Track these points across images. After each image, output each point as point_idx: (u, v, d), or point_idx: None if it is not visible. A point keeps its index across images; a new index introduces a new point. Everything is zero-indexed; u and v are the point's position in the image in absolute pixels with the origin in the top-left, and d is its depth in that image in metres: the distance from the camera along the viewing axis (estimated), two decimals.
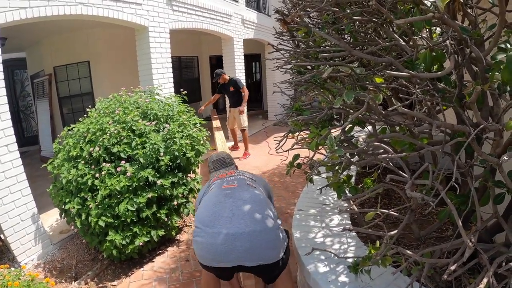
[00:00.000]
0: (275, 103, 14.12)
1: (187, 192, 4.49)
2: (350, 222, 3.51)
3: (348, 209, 2.65)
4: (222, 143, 7.40)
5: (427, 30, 2.12)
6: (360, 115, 1.97)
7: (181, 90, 5.60)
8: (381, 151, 2.29)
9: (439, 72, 1.69)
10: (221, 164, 3.16)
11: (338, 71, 1.89)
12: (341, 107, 2.07)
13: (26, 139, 11.89)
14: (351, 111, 2.31)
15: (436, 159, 2.62)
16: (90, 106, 5.28)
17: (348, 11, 2.39)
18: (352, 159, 2.17)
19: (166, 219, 4.36)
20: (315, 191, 4.13)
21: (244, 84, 9.41)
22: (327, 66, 1.96)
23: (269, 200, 2.92)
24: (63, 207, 4.38)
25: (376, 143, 1.86)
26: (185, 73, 13.52)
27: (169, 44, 7.53)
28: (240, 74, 11.12)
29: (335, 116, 2.82)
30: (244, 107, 9.00)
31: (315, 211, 3.75)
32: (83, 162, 4.33)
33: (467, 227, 2.53)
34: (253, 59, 17.79)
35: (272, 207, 2.75)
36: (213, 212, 2.50)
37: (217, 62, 14.71)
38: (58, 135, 5.01)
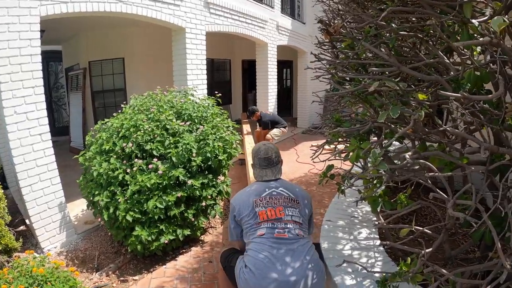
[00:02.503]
0: (305, 110, 14.11)
1: (215, 194, 4.51)
2: (378, 236, 3.49)
3: (384, 224, 2.63)
4: (251, 148, 7.45)
5: (470, 47, 2.10)
6: (399, 129, 1.98)
7: (216, 92, 5.63)
8: (417, 167, 2.28)
9: (490, 95, 1.67)
10: (268, 163, 2.92)
11: (383, 86, 1.89)
12: (384, 121, 2.07)
13: (57, 129, 12.08)
14: (393, 126, 2.31)
15: (467, 179, 2.60)
16: (124, 102, 5.34)
17: (394, 25, 2.38)
18: (393, 175, 2.17)
19: (193, 219, 4.38)
20: (344, 203, 4.13)
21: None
22: (372, 79, 1.97)
23: (310, 219, 2.95)
24: (91, 198, 4.44)
25: (421, 161, 1.86)
26: (216, 75, 13.60)
27: (204, 46, 7.60)
28: (272, 80, 11.18)
29: (373, 130, 2.82)
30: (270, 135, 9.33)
31: (343, 222, 3.74)
32: (115, 156, 4.39)
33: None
34: (284, 66, 17.71)
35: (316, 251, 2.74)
36: (266, 260, 2.50)
37: (249, 66, 14.80)
38: (91, 128, 5.08)
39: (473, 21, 1.75)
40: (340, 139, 3.11)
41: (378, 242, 3.34)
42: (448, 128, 1.73)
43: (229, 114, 7.07)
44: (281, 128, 9.46)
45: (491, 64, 1.85)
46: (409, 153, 1.79)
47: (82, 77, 10.10)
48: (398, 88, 1.86)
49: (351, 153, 2.58)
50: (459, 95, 1.63)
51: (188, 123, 4.65)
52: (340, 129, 2.61)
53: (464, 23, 1.84)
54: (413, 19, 2.55)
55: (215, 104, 5.47)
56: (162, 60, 9.48)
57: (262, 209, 2.70)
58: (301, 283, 2.41)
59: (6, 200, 4.37)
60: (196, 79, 7.35)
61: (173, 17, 6.65)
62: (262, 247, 2.56)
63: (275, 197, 2.76)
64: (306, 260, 2.50)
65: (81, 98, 10.11)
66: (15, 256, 4.50)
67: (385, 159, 2.58)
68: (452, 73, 1.98)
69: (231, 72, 14.76)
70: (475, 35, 1.83)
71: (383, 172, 2.06)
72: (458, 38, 1.95)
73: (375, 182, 2.53)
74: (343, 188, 3.02)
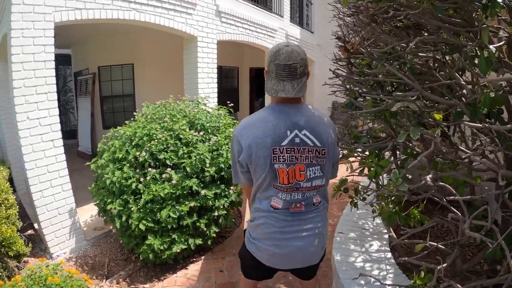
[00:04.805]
0: None
1: (227, 204, 4.51)
2: (389, 248, 3.54)
3: (400, 240, 2.67)
4: None
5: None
6: (417, 148, 2.04)
7: (228, 102, 5.66)
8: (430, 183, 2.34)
9: (509, 125, 1.71)
10: (289, 73, 2.07)
11: (405, 107, 1.94)
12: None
13: (64, 133, 12.01)
14: (411, 144, 2.36)
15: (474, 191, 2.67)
16: (137, 111, 5.36)
17: (411, 44, 2.42)
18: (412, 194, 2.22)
19: (205, 229, 4.39)
20: (355, 215, 4.18)
21: None
22: (394, 100, 2.02)
23: (335, 164, 2.39)
24: (103, 206, 4.48)
25: (441, 183, 1.90)
26: (224, 82, 13.53)
27: (215, 55, 7.60)
28: None
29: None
30: None
31: (355, 235, 3.79)
32: (128, 165, 4.40)
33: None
34: None
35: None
36: (280, 232, 2.26)
37: (256, 74, 14.81)
38: (103, 136, 5.10)
39: (490, 46, 1.80)
40: (355, 154, 3.15)
41: (389, 254, 3.40)
42: (471, 156, 1.77)
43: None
44: None
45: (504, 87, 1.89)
46: (430, 176, 1.83)
47: (91, 82, 10.19)
48: (417, 109, 1.91)
49: (366, 169, 2.64)
50: (481, 125, 1.67)
51: (201, 133, 4.66)
52: (359, 147, 2.64)
53: (481, 48, 1.88)
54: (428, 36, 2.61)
55: (227, 114, 5.48)
56: (171, 66, 9.53)
57: (283, 167, 2.14)
58: (307, 250, 2.29)
59: (18, 207, 4.40)
60: (207, 87, 7.36)
61: (186, 25, 6.69)
62: (275, 222, 2.25)
63: (297, 149, 2.14)
64: (316, 229, 2.30)
65: (90, 102, 10.21)
66: (24, 261, 4.55)
67: (404, 177, 2.63)
68: (465, 91, 2.03)
69: (239, 80, 14.78)
70: (492, 59, 1.87)
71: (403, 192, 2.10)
72: (476, 62, 2.00)
73: (392, 198, 2.57)
74: (356, 201, 3.07)
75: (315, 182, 2.21)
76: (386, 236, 3.77)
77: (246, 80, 15.04)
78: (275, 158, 2.12)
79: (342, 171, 3.01)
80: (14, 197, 4.41)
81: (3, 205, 4.08)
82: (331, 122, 2.35)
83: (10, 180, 6.42)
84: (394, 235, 3.39)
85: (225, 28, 7.90)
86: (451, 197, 1.81)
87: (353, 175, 2.98)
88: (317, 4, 14.04)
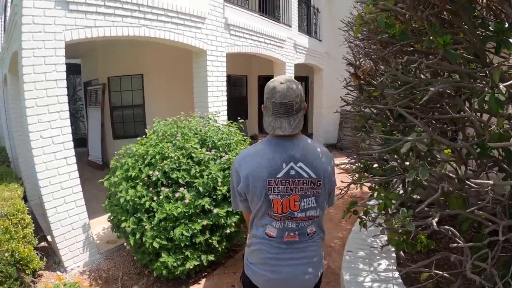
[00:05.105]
0: (320, 126, 14.20)
1: (239, 221, 4.56)
2: (396, 267, 3.60)
3: (409, 269, 2.73)
4: None
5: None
6: (424, 182, 2.10)
7: (238, 118, 5.69)
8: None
9: None
10: (285, 111, 2.13)
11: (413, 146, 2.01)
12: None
13: (74, 141, 12.08)
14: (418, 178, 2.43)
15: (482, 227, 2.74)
16: (147, 127, 5.38)
17: (422, 76, 2.48)
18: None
19: (217, 246, 4.44)
20: (364, 232, 4.24)
21: None
22: (404, 141, 2.09)
23: (330, 194, 2.43)
24: (116, 222, 4.55)
25: (446, 227, 1.97)
26: (233, 91, 13.47)
27: (225, 68, 7.64)
28: None
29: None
30: None
31: (363, 253, 3.85)
32: (141, 183, 4.46)
33: None
34: (300, 81, 17.54)
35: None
36: (275, 259, 2.32)
37: (265, 82, 14.71)
38: (116, 152, 5.14)
39: (501, 86, 1.86)
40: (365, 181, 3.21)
41: (396, 274, 3.46)
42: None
43: (245, 129, 7.02)
44: None
45: None
46: (436, 219, 1.89)
47: (101, 93, 10.30)
48: (426, 149, 1.98)
49: (375, 194, 2.71)
50: (492, 182, 1.74)
51: (213, 151, 4.71)
52: (373, 179, 2.69)
53: (492, 88, 1.93)
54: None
55: (237, 131, 5.50)
56: (180, 77, 9.61)
57: (277, 197, 2.22)
58: (300, 277, 2.35)
59: (33, 225, 4.48)
60: (217, 101, 7.41)
61: (195, 39, 6.76)
62: (269, 249, 2.33)
63: (292, 181, 2.21)
64: (310, 258, 2.37)
65: (100, 113, 10.33)
66: (38, 275, 4.63)
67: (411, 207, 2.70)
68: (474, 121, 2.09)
69: (247, 88, 14.84)
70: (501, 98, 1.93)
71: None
72: (486, 99, 2.06)
73: (400, 231, 2.63)
74: (365, 222, 3.14)
75: (309, 213, 2.28)
76: (394, 254, 3.84)
77: (255, 88, 15.09)
78: (270, 189, 2.19)
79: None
80: (30, 216, 4.49)
81: (19, 225, 4.16)
82: (328, 153, 2.41)
83: (24, 196, 6.49)
84: (402, 254, 3.46)
85: (234, 40, 7.96)
86: (455, 245, 1.88)
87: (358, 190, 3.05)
88: (325, 12, 14.11)
